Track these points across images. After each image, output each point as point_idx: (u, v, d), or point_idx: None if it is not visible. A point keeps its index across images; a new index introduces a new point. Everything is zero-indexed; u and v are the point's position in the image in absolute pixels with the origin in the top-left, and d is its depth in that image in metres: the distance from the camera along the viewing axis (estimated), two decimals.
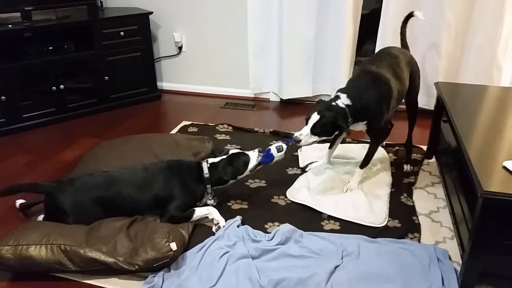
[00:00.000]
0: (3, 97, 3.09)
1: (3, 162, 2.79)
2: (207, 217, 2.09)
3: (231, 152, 2.21)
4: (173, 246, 1.78)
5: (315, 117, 2.04)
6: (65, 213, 1.97)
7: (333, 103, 2.08)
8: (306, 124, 2.07)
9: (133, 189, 2.04)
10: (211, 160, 2.19)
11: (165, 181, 2.07)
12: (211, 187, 2.16)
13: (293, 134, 2.10)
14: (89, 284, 1.78)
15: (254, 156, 2.17)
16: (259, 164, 2.17)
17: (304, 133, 2.06)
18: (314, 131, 2.05)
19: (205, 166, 2.14)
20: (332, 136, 2.21)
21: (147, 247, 1.76)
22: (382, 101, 2.10)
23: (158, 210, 2.06)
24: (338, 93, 2.11)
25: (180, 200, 2.05)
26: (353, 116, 2.08)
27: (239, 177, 2.19)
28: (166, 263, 1.78)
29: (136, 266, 1.73)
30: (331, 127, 2.06)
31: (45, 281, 1.79)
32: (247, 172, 2.18)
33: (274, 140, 2.94)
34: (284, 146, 2.16)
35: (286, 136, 2.93)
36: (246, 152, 2.19)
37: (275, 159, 2.15)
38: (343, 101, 2.07)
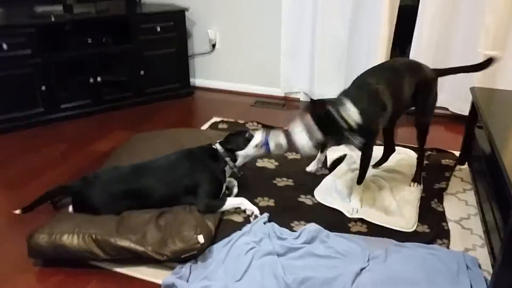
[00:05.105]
0: (43, 87, 3.20)
1: (41, 150, 2.90)
2: (240, 207, 2.13)
3: (235, 131, 2.29)
4: (201, 238, 1.82)
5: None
6: (96, 209, 2.01)
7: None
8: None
9: (159, 179, 2.08)
10: (218, 140, 2.26)
11: (189, 167, 2.11)
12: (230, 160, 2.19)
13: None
14: (119, 272, 1.83)
15: (259, 135, 2.19)
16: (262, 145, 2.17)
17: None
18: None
19: (218, 146, 2.20)
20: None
21: (176, 239, 1.80)
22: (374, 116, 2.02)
23: (187, 199, 2.09)
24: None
25: (207, 185, 2.09)
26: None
27: (246, 151, 2.19)
28: (194, 255, 1.82)
29: (165, 256, 1.77)
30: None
31: (77, 268, 1.86)
32: (251, 148, 2.18)
33: None
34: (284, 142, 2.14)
35: None
36: (251, 131, 2.24)
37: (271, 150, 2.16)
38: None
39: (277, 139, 2.12)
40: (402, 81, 2.11)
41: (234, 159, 2.20)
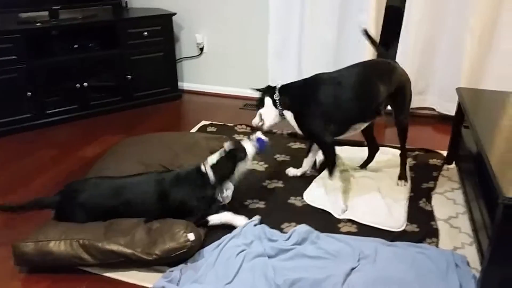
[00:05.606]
0: (29, 93, 3.17)
1: (28, 156, 2.87)
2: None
3: (226, 148, 2.09)
4: (191, 236, 1.81)
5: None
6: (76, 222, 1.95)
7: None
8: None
9: (142, 201, 1.99)
10: (209, 160, 2.07)
11: (176, 195, 2.00)
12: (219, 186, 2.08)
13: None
14: (109, 277, 1.81)
15: (250, 146, 2.12)
16: (257, 152, 2.15)
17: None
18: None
19: (209, 171, 2.04)
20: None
21: (166, 238, 1.79)
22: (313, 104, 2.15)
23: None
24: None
25: (196, 212, 2.00)
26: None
27: (245, 169, 2.13)
28: (184, 253, 1.80)
29: (154, 256, 1.76)
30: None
31: (66, 274, 1.84)
32: (249, 163, 2.16)
33: (292, 142, 2.95)
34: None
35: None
36: (241, 143, 2.13)
37: (265, 144, 2.17)
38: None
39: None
40: (371, 81, 2.17)
41: (225, 179, 2.07)
